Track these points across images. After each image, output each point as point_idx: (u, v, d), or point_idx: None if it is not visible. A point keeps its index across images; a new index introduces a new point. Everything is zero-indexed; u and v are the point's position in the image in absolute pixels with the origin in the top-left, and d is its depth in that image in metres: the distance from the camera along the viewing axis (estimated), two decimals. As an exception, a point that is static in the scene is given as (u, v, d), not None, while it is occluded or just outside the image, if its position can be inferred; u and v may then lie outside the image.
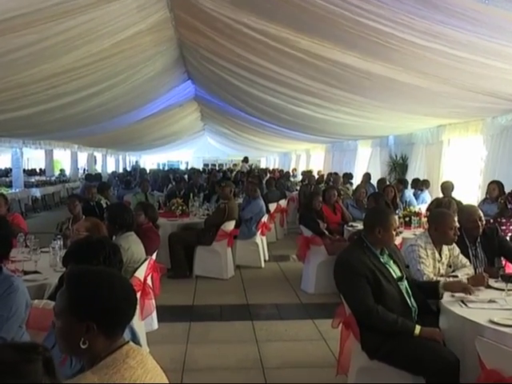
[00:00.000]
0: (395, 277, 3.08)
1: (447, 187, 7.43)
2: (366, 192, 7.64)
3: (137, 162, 30.66)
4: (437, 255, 3.60)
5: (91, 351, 1.48)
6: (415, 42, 4.08)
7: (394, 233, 3.12)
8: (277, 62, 5.95)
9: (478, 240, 3.91)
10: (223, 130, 20.46)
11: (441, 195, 7.27)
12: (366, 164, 13.28)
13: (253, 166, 34.93)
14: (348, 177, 12.50)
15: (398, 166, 11.26)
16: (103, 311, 1.49)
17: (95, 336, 1.47)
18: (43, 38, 4.81)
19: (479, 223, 3.84)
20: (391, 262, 3.16)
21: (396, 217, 3.25)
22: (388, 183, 8.96)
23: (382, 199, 6.25)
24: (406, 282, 3.14)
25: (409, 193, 8.68)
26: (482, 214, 3.90)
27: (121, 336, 1.53)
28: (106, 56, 6.19)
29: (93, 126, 12.21)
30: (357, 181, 12.34)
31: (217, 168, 31.29)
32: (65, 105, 8.42)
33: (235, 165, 24.51)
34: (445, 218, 3.57)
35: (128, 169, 24.86)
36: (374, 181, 10.42)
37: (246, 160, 20.89)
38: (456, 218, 3.67)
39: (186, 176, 17.57)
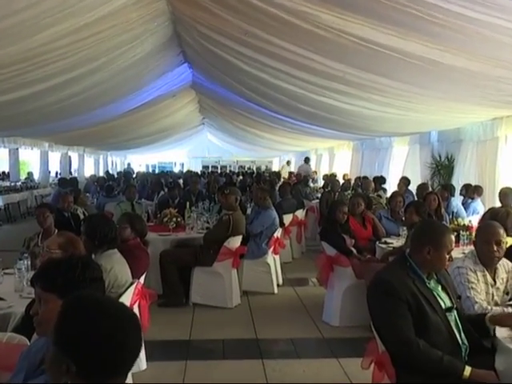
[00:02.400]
0: (443, 307, 3.07)
1: (506, 194, 7.37)
2: (403, 201, 7.61)
3: (129, 164, 30.89)
4: (489, 279, 3.58)
5: None
6: (464, 15, 4.07)
7: (447, 256, 3.10)
8: (293, 40, 5.97)
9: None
10: (226, 125, 20.53)
11: (497, 204, 7.22)
12: (402, 166, 13.23)
13: (262, 168, 35.18)
14: (380, 181, 12.46)
15: (443, 169, 11.20)
16: (86, 353, 1.52)
17: (74, 379, 1.50)
18: (5, 15, 4.86)
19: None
20: (439, 288, 3.15)
21: (453, 236, 3.21)
22: (430, 190, 8.90)
23: (424, 210, 6.22)
24: (455, 313, 3.12)
25: (456, 201, 8.64)
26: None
27: None
28: (84, 36, 6.25)
29: (68, 119, 12.31)
30: (391, 187, 12.29)
31: (219, 171, 31.47)
32: (34, 95, 8.51)
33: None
34: (484, 231, 3.56)
35: (111, 172, 24.98)
36: (412, 186, 10.37)
37: (306, 161, 20.33)
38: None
39: (180, 181, 17.65)
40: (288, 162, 23.44)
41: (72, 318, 1.56)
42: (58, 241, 3.61)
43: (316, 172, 20.63)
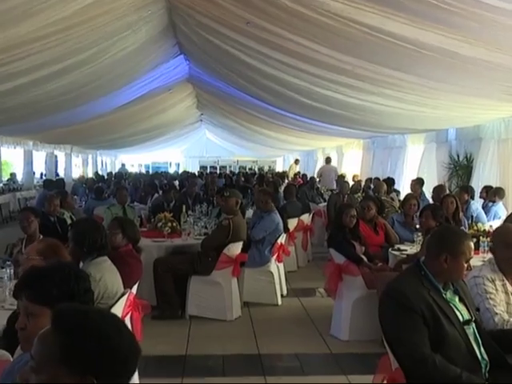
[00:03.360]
0: (461, 319, 3.07)
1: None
2: (417, 204, 7.60)
3: (123, 165, 30.92)
4: (509, 288, 3.57)
5: None
6: (483, 2, 4.08)
7: (466, 264, 3.10)
8: (298, 30, 5.98)
9: None
10: (226, 122, 20.56)
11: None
12: (417, 166, 13.23)
13: (265, 169, 35.16)
14: (390, 182, 12.45)
15: (461, 169, 11.19)
16: (108, 362, 1.53)
17: None
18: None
19: None
20: (456, 299, 3.15)
21: (472, 243, 3.21)
22: (448, 192, 8.89)
23: (440, 214, 6.21)
24: (474, 326, 3.12)
25: (476, 205, 8.63)
26: None
27: None
28: (72, 24, 6.25)
29: (54, 115, 12.32)
30: (405, 189, 12.28)
31: (217, 171, 31.48)
32: (16, 88, 8.51)
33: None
34: (503, 234, 3.56)
35: (101, 172, 25.03)
36: (428, 188, 10.36)
37: (328, 161, 19.71)
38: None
39: (176, 182, 17.67)
40: (296, 161, 23.38)
41: (89, 335, 1.56)
42: (38, 247, 3.61)
43: (345, 175, 18.45)
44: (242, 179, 18.61)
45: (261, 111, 14.32)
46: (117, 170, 27.02)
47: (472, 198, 8.85)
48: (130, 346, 1.59)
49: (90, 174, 23.71)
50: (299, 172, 22.91)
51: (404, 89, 7.59)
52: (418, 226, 6.73)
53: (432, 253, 3.13)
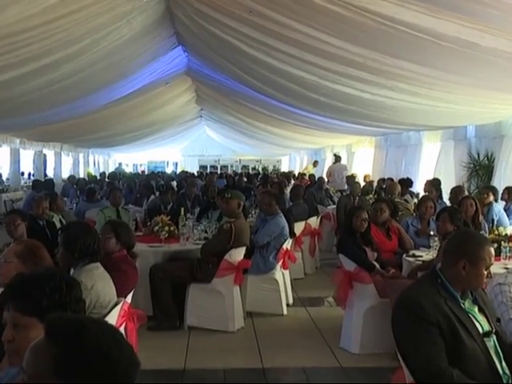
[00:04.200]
0: (481, 331, 3.06)
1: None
2: (434, 206, 7.59)
3: (120, 164, 30.96)
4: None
5: None
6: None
7: (486, 272, 3.09)
8: (305, 19, 5.98)
9: None
10: (228, 118, 20.58)
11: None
12: (433, 166, 13.21)
13: (269, 169, 35.17)
14: (407, 184, 12.43)
15: (481, 169, 11.16)
16: (107, 376, 1.54)
17: None
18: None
19: None
20: (476, 310, 3.14)
21: (492, 249, 3.20)
22: (467, 193, 8.87)
23: (459, 217, 6.20)
24: (494, 338, 3.11)
25: (498, 207, 8.60)
26: None
27: None
28: (61, 14, 6.26)
29: (43, 112, 12.35)
30: (420, 190, 12.25)
31: (218, 171, 31.52)
32: (2, 84, 8.53)
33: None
34: None
35: (93, 172, 25.06)
36: (445, 190, 10.34)
37: (338, 159, 19.38)
38: None
39: (174, 183, 17.67)
40: (315, 163, 23.14)
41: (86, 347, 1.56)
42: (16, 249, 3.60)
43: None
44: (245, 179, 18.65)
45: (265, 106, 14.33)
46: (113, 170, 27.03)
47: (496, 200, 8.80)
48: (129, 358, 1.59)
49: (82, 174, 23.74)
50: (307, 171, 22.90)
51: (419, 82, 7.59)
52: (432, 233, 6.70)
53: (449, 259, 3.12)
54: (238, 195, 7.37)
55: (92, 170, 26.30)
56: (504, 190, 9.32)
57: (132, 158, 35.81)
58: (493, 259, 3.15)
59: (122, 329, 4.12)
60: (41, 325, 2.13)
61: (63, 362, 1.53)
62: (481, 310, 3.15)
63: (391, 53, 6.48)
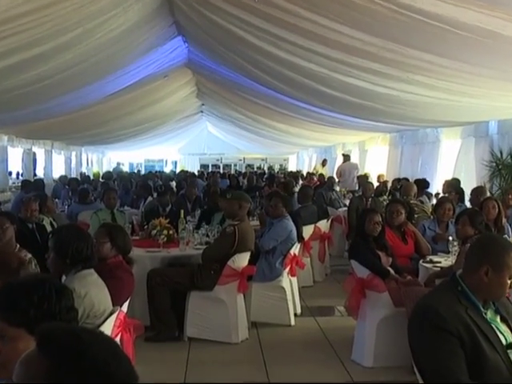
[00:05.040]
0: (504, 343, 3.05)
1: None
2: (453, 209, 7.58)
3: (118, 164, 30.98)
4: None
5: None
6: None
7: (510, 281, 3.08)
8: (315, 7, 5.97)
9: None
10: (231, 113, 20.57)
11: None
12: (452, 165, 13.18)
13: (275, 168, 35.16)
14: (423, 185, 12.41)
15: (505, 168, 11.13)
16: None
17: None
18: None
19: None
20: (498, 320, 3.14)
21: None
22: (489, 194, 8.85)
23: (480, 220, 6.19)
24: (519, 351, 3.11)
25: (524, 209, 8.60)
26: None
27: None
28: (51, 2, 6.27)
29: (32, 107, 12.37)
30: (438, 191, 12.24)
31: (221, 171, 31.54)
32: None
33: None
34: None
35: (86, 172, 25.10)
36: (465, 191, 10.32)
37: (347, 158, 19.54)
38: None
39: (173, 183, 17.70)
40: (324, 162, 23.13)
41: (82, 359, 1.54)
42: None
43: (368, 175, 18.23)
44: (244, 180, 18.65)
45: (271, 101, 14.32)
46: (111, 170, 27.07)
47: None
48: (127, 371, 1.58)
49: (74, 174, 23.77)
50: (316, 171, 22.88)
51: (438, 75, 7.57)
52: (451, 237, 6.69)
53: (471, 265, 3.11)
54: (240, 196, 7.38)
55: (85, 170, 26.34)
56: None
57: (128, 157, 35.85)
58: None
59: (117, 340, 4.12)
60: (29, 336, 2.14)
61: (56, 375, 1.52)
62: (504, 321, 3.14)
63: (407, 43, 6.46)
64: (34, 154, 22.09)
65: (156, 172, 27.17)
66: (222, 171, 31.06)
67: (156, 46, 10.74)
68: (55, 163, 23.71)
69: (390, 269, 6.25)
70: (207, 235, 7.84)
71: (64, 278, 4.04)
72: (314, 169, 24.19)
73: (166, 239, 7.55)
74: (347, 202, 13.18)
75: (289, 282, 7.68)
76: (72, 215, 10.88)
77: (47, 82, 9.95)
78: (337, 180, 17.35)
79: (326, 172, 21.09)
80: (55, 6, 6.41)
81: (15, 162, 22.06)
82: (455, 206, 7.87)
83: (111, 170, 27.41)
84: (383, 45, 6.65)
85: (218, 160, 36.32)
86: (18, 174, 22.74)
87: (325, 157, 25.97)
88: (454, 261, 6.03)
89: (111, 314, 4.01)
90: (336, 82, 9.21)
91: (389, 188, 13.62)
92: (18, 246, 5.48)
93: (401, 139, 16.82)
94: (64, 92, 11.52)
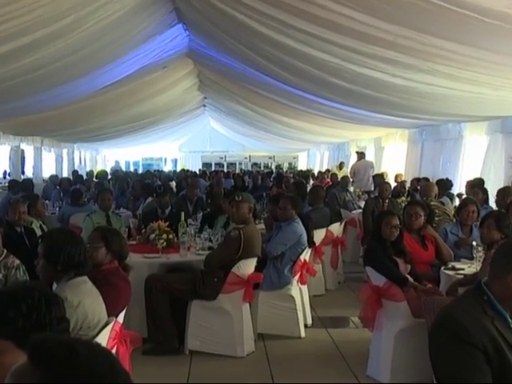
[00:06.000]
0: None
1: None
2: (477, 211, 7.57)
3: (117, 162, 31.03)
4: None
5: None
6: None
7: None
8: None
9: None
10: (235, 107, 20.59)
11: None
12: (478, 163, 13.15)
13: (284, 167, 35.14)
14: (445, 185, 12.40)
15: (536, 167, 11.13)
16: None
17: None
18: None
19: None
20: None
21: None
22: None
23: (507, 223, 6.18)
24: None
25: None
26: None
27: None
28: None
29: (20, 100, 12.39)
30: (461, 191, 12.21)
31: (224, 169, 31.55)
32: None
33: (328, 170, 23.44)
34: None
35: (79, 171, 25.11)
36: (492, 192, 10.30)
37: (362, 155, 19.53)
38: None
39: (173, 183, 17.72)
40: (341, 165, 23.00)
41: (77, 373, 1.54)
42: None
43: (385, 174, 17.96)
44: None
45: (279, 94, 14.33)
46: (110, 169, 27.11)
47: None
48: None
49: (66, 174, 23.80)
50: (328, 170, 22.85)
51: (460, 64, 7.55)
52: (475, 242, 6.68)
53: (497, 272, 3.11)
54: (250, 198, 7.38)
55: (78, 168, 26.36)
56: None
57: (124, 155, 35.89)
58: None
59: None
60: (17, 350, 2.14)
61: None
62: (533, 333, 3.14)
63: (428, 30, 6.45)
64: (23, 151, 22.11)
65: (154, 171, 27.22)
66: (225, 170, 31.05)
67: (154, 35, 10.75)
68: (45, 161, 23.74)
69: (408, 276, 6.25)
70: (210, 240, 7.83)
71: (55, 286, 4.05)
72: (330, 171, 24.15)
73: (165, 244, 7.54)
74: (362, 204, 13.17)
75: (298, 291, 7.68)
76: (63, 218, 10.91)
77: (37, 73, 9.97)
78: (351, 180, 17.34)
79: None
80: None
81: (2, 161, 22.11)
82: (480, 208, 7.85)
83: (106, 168, 27.42)
84: (400, 32, 6.64)
85: (221, 158, 36.33)
86: (4, 173, 22.77)
87: (338, 154, 25.98)
88: (478, 267, 6.02)
89: (106, 325, 4.02)
90: (349, 73, 9.20)
91: (407, 188, 13.62)
92: (6, 251, 5.49)
93: (420, 135, 16.79)
94: (55, 84, 11.54)
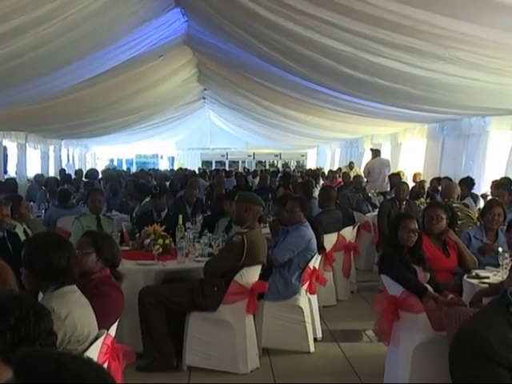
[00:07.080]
0: None
1: None
2: (504, 214, 7.56)
3: (112, 160, 31.03)
4: None
5: None
6: None
7: None
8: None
9: None
10: (238, 100, 20.60)
11: None
12: (504, 161, 13.14)
13: (291, 165, 35.13)
14: (468, 184, 12.39)
15: None
16: None
17: None
18: None
19: None
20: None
21: None
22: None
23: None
24: None
25: None
26: None
27: None
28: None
29: (2, 91, 12.41)
30: (486, 192, 12.20)
31: (226, 168, 31.56)
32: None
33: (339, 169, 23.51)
34: None
35: (67, 170, 25.16)
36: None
37: (377, 153, 19.75)
38: None
39: (170, 183, 17.73)
40: (351, 165, 23.00)
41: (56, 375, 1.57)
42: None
43: (402, 174, 18.19)
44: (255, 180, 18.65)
45: (286, 85, 14.35)
46: (105, 167, 27.16)
47: None
48: None
49: (52, 173, 23.84)
50: (340, 169, 22.84)
51: (485, 50, 7.53)
52: (501, 248, 6.68)
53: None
54: (249, 198, 7.34)
55: (65, 167, 26.40)
56: None
57: (116, 152, 35.90)
58: None
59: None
60: (4, 365, 2.15)
61: None
62: None
63: (447, 13, 6.45)
64: (5, 148, 22.15)
65: (149, 170, 27.24)
66: (227, 169, 31.05)
67: (149, 20, 10.73)
68: (30, 159, 23.77)
69: (428, 286, 6.25)
70: (210, 245, 7.84)
71: (41, 296, 4.05)
72: (342, 170, 24.19)
73: (161, 250, 7.55)
74: (377, 206, 13.18)
75: (307, 301, 7.70)
76: (50, 221, 10.92)
77: (19, 61, 9.95)
78: (365, 180, 17.34)
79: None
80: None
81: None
82: (506, 211, 7.84)
83: (95, 167, 27.45)
84: (419, 16, 6.64)
85: (223, 156, 36.36)
86: (-15, 172, 22.85)
87: (350, 152, 25.98)
88: (504, 276, 6.01)
89: (97, 338, 4.03)
90: (363, 63, 9.20)
91: (426, 189, 13.61)
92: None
93: (441, 131, 16.76)
94: (39, 73, 11.53)
